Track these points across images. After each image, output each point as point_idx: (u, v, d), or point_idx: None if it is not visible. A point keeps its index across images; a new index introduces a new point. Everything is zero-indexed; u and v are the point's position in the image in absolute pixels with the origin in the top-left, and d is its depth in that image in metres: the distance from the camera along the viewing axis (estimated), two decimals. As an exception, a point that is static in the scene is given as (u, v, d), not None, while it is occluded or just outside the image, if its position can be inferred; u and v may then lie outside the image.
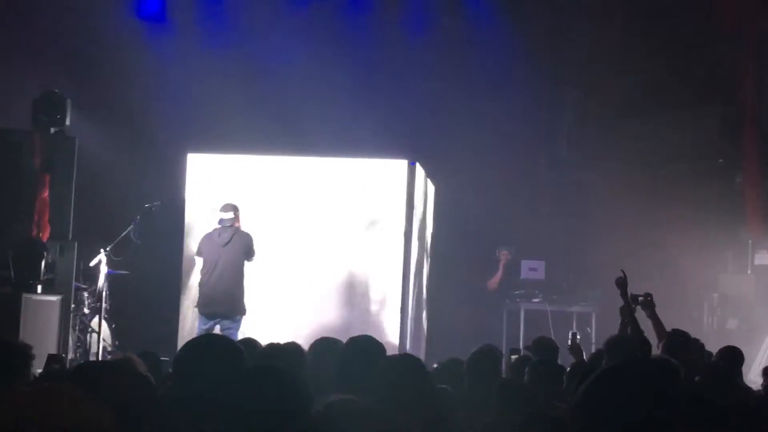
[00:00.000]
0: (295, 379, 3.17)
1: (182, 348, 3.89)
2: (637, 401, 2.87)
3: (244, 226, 11.18)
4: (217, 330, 10.59)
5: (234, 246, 10.91)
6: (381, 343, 5.46)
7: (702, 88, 14.39)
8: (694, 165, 14.59)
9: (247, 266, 11.07)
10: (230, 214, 10.99)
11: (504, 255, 14.33)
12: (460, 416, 5.04)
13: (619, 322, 7.57)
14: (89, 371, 3.41)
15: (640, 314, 7.58)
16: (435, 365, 6.99)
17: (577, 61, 14.82)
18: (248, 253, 11.00)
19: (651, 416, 2.83)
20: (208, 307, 10.86)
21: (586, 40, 14.60)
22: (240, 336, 10.04)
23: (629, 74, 14.51)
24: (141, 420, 3.27)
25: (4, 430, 1.89)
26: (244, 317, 10.94)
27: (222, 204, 11.16)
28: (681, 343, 6.93)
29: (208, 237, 11.09)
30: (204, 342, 4.03)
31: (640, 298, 7.68)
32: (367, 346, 5.31)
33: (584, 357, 8.22)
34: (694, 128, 14.53)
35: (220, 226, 11.03)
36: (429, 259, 13.35)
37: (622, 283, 7.72)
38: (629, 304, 7.57)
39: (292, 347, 5.91)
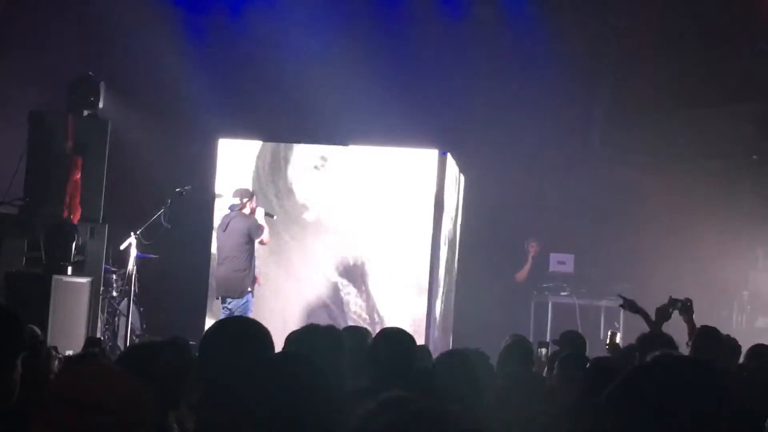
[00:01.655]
0: (319, 373, 3.11)
1: (206, 332, 3.87)
2: (671, 400, 2.84)
3: (260, 212, 11.29)
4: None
5: (231, 231, 11.12)
6: (410, 334, 5.47)
7: (738, 84, 14.26)
8: (727, 161, 14.48)
9: (262, 246, 11.39)
10: (237, 200, 11.13)
11: (533, 247, 14.30)
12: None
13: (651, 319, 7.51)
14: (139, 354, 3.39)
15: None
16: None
17: (611, 54, 14.73)
18: (251, 233, 11.09)
19: (685, 416, 2.80)
20: (218, 290, 11.32)
21: (621, 32, 14.51)
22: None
23: (664, 68, 14.39)
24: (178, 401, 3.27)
25: (63, 402, 1.98)
26: (254, 294, 11.17)
27: (235, 189, 11.30)
28: (711, 341, 6.85)
29: (219, 224, 11.37)
30: (225, 326, 3.99)
31: (679, 303, 7.57)
32: (396, 336, 5.31)
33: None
34: (730, 124, 14.41)
35: (229, 211, 11.15)
36: (458, 250, 13.33)
37: (628, 307, 7.67)
38: (646, 314, 7.49)
39: (331, 331, 5.89)
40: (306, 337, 5.62)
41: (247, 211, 11.18)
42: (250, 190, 11.51)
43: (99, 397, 2.00)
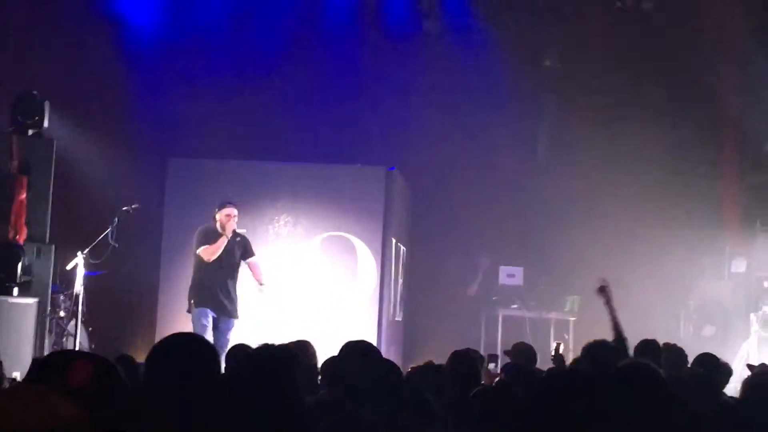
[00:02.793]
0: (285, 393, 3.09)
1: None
2: (578, 407, 2.88)
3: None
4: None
5: None
6: (374, 346, 5.50)
7: (683, 93, 14.45)
8: (673, 171, 14.63)
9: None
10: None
11: (484, 262, 14.37)
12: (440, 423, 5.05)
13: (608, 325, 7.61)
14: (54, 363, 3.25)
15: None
16: (409, 369, 6.99)
17: (555, 67, 14.84)
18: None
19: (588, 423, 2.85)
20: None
21: (564, 46, 14.65)
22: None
23: (609, 80, 14.53)
24: (116, 419, 3.21)
25: None
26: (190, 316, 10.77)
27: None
28: (650, 352, 6.96)
29: None
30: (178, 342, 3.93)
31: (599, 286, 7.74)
32: (362, 349, 5.33)
33: (566, 365, 8.24)
34: (675, 135, 14.58)
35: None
36: (407, 265, 13.36)
37: (604, 292, 7.76)
38: (612, 310, 7.59)
39: (284, 351, 5.87)
40: (264, 356, 5.63)
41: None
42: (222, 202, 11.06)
43: (24, 424, 1.89)
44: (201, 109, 13.66)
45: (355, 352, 5.32)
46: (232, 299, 10.74)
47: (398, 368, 5.12)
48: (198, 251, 10.75)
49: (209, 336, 9.81)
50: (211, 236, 10.71)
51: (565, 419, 2.94)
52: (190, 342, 3.79)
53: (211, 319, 10.57)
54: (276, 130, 13.37)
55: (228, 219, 10.69)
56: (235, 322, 10.71)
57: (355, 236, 11.82)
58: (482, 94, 14.09)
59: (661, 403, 3.50)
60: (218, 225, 10.71)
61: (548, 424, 2.99)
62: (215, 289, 10.65)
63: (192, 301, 10.72)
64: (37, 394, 1.99)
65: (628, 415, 3.23)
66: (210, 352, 3.71)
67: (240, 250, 10.84)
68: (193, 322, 10.48)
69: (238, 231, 10.85)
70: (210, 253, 10.64)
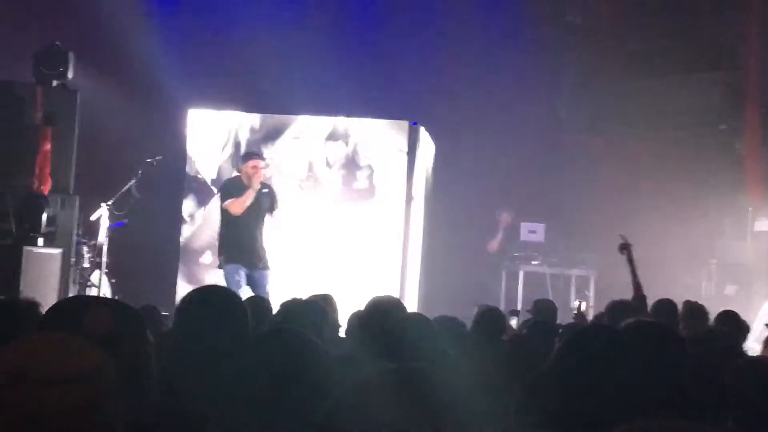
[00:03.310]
0: (309, 348, 3.11)
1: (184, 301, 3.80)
2: (605, 365, 2.89)
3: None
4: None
5: None
6: (402, 303, 5.54)
7: (706, 52, 14.35)
8: (695, 130, 14.57)
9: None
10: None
11: (504, 218, 14.36)
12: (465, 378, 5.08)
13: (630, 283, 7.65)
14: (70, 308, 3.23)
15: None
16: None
17: (579, 22, 14.75)
18: None
19: (619, 381, 2.85)
20: None
21: (587, 2, 14.55)
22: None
23: (632, 36, 14.44)
24: (140, 368, 3.21)
25: (10, 377, 1.82)
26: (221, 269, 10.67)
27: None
28: (669, 313, 6.99)
29: None
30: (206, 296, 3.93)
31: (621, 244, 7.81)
32: (389, 306, 5.36)
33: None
34: (697, 93, 14.49)
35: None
36: (429, 220, 13.37)
37: (625, 249, 7.79)
38: (634, 268, 7.63)
39: (314, 304, 5.91)
40: (292, 310, 5.69)
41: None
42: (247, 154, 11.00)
43: (49, 369, 1.85)
44: (222, 60, 13.65)
45: (382, 308, 5.34)
46: (262, 251, 10.57)
47: (429, 321, 5.14)
48: (224, 205, 10.59)
49: (243, 292, 9.73)
50: (237, 189, 10.54)
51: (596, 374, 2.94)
52: (222, 295, 3.83)
53: (243, 275, 10.38)
54: (297, 82, 13.34)
55: (254, 171, 10.46)
56: (269, 273, 10.55)
57: (379, 190, 11.83)
58: (504, 49, 14.01)
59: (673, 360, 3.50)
60: (244, 177, 10.52)
61: (576, 378, 2.99)
62: (245, 244, 10.45)
63: (222, 257, 10.59)
64: (59, 340, 1.95)
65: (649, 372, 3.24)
66: (240, 306, 3.74)
67: (268, 202, 10.65)
68: (225, 279, 10.28)
69: (264, 183, 10.66)
70: (237, 206, 10.44)
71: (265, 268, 10.57)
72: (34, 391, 1.80)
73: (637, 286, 7.49)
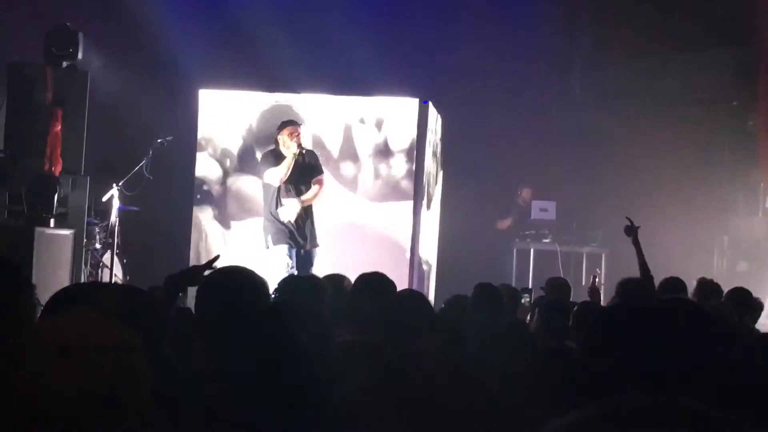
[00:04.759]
0: (313, 317, 3.14)
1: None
2: (644, 342, 2.87)
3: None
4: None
5: None
6: (391, 280, 5.50)
7: (719, 28, 14.27)
8: (707, 106, 14.52)
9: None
10: None
11: (526, 193, 14.32)
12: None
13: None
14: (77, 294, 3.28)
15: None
16: (443, 305, 7.02)
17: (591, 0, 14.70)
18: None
19: (657, 359, 2.84)
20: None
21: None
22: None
23: (643, 13, 14.37)
24: (160, 340, 3.26)
25: (59, 348, 1.95)
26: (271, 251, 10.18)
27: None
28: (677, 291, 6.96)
29: None
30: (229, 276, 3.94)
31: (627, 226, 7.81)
32: (377, 283, 5.35)
33: (601, 299, 8.29)
34: (710, 69, 14.43)
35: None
36: (439, 198, 13.35)
37: (632, 231, 7.78)
38: (640, 250, 7.62)
39: (312, 280, 5.92)
40: (288, 286, 5.68)
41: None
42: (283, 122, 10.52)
43: (81, 339, 1.97)
44: (230, 40, 13.62)
45: (370, 286, 5.33)
46: (309, 228, 10.22)
47: (426, 300, 5.13)
48: (265, 178, 10.21)
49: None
50: (274, 159, 10.13)
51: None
52: (243, 277, 3.82)
53: (294, 255, 10.02)
54: (306, 61, 13.32)
55: (292, 136, 10.08)
56: (316, 251, 10.23)
57: (389, 167, 11.79)
58: (517, 25, 13.96)
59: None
60: (281, 146, 10.12)
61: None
62: (292, 222, 10.12)
63: (269, 237, 10.12)
64: (95, 316, 2.10)
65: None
66: (262, 287, 3.74)
67: (310, 167, 10.30)
68: (274, 262, 9.90)
69: (304, 146, 10.29)
70: (278, 175, 10.06)
71: (314, 246, 10.23)
72: (81, 360, 1.94)
73: (645, 268, 7.47)
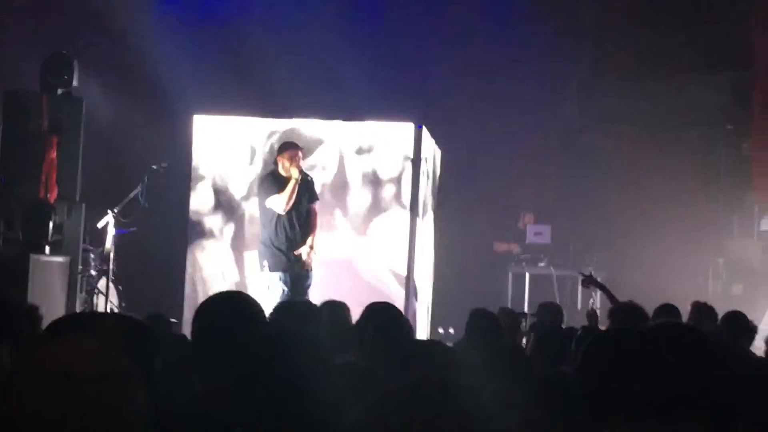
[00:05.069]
0: (311, 344, 3.14)
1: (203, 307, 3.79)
2: (638, 364, 2.88)
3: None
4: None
5: None
6: (399, 310, 5.50)
7: (714, 51, 14.34)
8: (702, 130, 14.56)
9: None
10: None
11: (528, 218, 14.33)
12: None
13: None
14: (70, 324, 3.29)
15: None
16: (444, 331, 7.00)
17: (587, 24, 14.76)
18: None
19: (653, 380, 2.85)
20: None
21: (598, 1, 14.56)
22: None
23: (640, 36, 14.44)
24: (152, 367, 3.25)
25: (60, 375, 1.98)
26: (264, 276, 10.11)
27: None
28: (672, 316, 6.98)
29: None
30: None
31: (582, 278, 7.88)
32: (386, 314, 5.34)
33: (598, 324, 8.28)
34: (705, 93, 14.49)
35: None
36: (435, 223, 13.35)
37: (591, 283, 7.86)
38: (606, 291, 7.68)
39: (307, 305, 5.90)
40: (284, 311, 5.67)
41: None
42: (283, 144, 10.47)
43: (82, 366, 1.99)
44: (224, 66, 13.66)
45: (376, 314, 5.32)
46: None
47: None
48: (267, 204, 10.00)
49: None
50: (276, 184, 9.99)
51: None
52: (242, 303, 3.81)
53: (289, 282, 9.86)
54: (302, 86, 13.36)
55: (293, 160, 9.96)
56: (311, 275, 10.10)
57: (384, 192, 11.79)
58: (512, 50, 14.02)
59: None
60: (281, 169, 10.01)
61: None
62: (291, 247, 9.99)
63: (266, 264, 10.00)
64: (92, 342, 2.14)
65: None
66: (258, 312, 3.73)
67: (308, 192, 10.17)
68: (270, 289, 9.80)
69: (304, 171, 10.17)
70: (283, 202, 9.90)
71: (310, 269, 10.12)
72: (79, 387, 1.98)
73: (614, 300, 7.56)
